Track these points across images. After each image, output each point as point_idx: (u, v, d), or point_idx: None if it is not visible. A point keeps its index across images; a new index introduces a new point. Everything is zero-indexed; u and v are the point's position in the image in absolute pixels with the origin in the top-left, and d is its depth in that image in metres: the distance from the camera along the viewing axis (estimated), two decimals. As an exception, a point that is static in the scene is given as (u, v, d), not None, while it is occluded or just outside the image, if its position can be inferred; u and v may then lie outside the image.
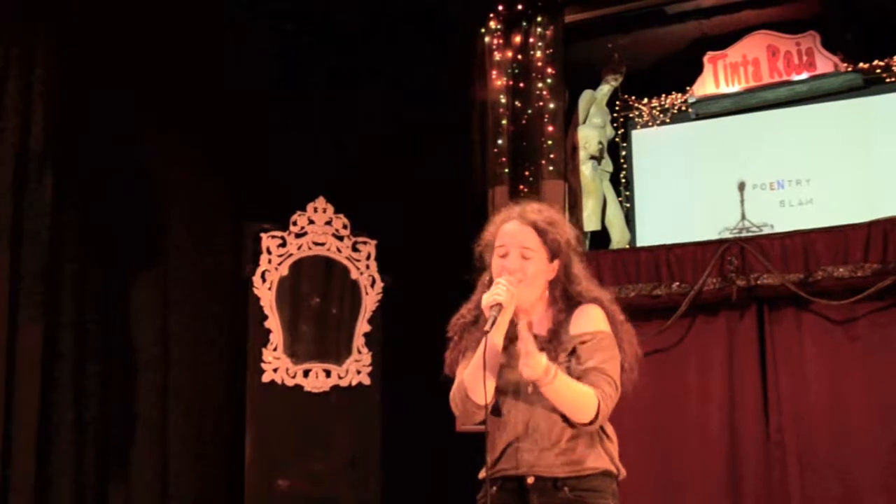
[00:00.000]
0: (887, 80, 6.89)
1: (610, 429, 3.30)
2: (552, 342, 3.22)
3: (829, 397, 5.97)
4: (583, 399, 3.10)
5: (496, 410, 3.24)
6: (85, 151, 6.07)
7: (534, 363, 3.03)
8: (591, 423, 3.11)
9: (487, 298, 3.14)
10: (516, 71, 7.05)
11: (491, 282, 3.26)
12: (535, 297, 3.29)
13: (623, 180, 7.62)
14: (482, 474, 3.28)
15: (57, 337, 5.82)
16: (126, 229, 6.28)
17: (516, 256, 3.26)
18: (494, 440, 3.26)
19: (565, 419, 3.15)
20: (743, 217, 6.97)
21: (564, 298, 3.33)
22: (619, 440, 3.33)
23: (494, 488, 3.23)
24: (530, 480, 3.18)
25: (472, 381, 3.18)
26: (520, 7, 7.07)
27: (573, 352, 3.20)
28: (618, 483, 3.30)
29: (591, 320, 3.25)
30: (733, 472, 6.10)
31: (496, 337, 3.15)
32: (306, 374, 6.72)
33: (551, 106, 6.92)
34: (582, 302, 3.32)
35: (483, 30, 7.14)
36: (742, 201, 7.01)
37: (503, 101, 6.99)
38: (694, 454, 6.22)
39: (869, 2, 6.79)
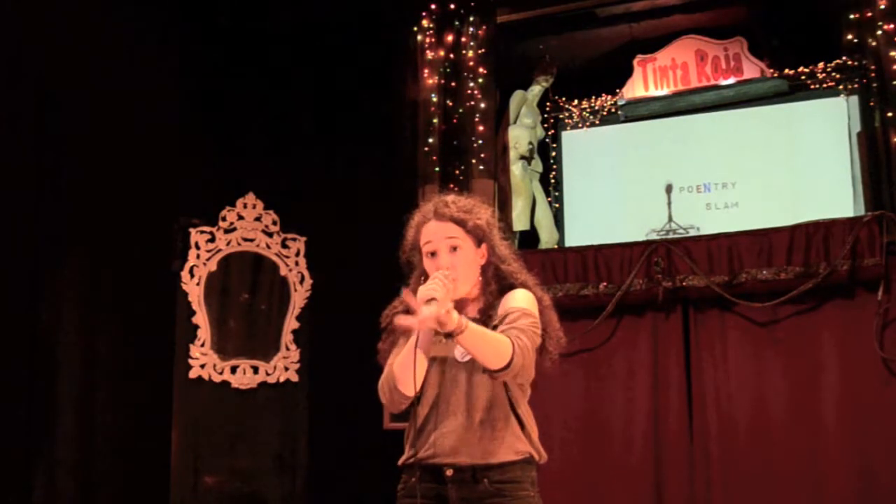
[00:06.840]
0: (811, 86, 7.00)
1: (530, 417, 3.31)
2: (482, 319, 3.21)
3: (751, 397, 6.05)
4: (497, 344, 3.07)
5: (419, 398, 3.23)
6: (8, 145, 5.99)
7: (449, 315, 3.00)
8: (507, 367, 3.07)
9: (423, 293, 3.15)
10: (448, 70, 7.06)
11: (425, 278, 3.26)
12: (470, 285, 3.30)
13: (552, 181, 7.66)
14: (401, 461, 3.30)
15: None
16: (53, 223, 6.20)
17: (445, 252, 3.27)
18: (414, 419, 3.25)
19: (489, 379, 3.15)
20: (670, 219, 7.03)
21: (497, 279, 3.36)
22: (544, 438, 3.34)
23: (413, 479, 3.21)
24: (449, 473, 3.18)
25: (402, 373, 3.17)
26: (452, 6, 7.09)
27: (498, 326, 3.20)
28: (537, 468, 3.31)
29: (519, 301, 3.27)
30: (657, 469, 6.15)
31: (429, 331, 3.14)
32: (234, 370, 6.69)
33: (482, 105, 6.95)
34: (514, 283, 3.35)
35: (415, 28, 7.14)
36: (669, 203, 7.08)
37: (434, 99, 7.00)
38: (619, 452, 6.26)
39: (795, 10, 6.90)
